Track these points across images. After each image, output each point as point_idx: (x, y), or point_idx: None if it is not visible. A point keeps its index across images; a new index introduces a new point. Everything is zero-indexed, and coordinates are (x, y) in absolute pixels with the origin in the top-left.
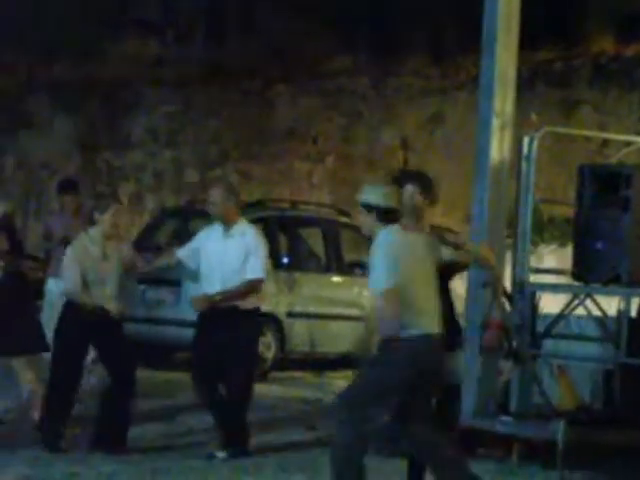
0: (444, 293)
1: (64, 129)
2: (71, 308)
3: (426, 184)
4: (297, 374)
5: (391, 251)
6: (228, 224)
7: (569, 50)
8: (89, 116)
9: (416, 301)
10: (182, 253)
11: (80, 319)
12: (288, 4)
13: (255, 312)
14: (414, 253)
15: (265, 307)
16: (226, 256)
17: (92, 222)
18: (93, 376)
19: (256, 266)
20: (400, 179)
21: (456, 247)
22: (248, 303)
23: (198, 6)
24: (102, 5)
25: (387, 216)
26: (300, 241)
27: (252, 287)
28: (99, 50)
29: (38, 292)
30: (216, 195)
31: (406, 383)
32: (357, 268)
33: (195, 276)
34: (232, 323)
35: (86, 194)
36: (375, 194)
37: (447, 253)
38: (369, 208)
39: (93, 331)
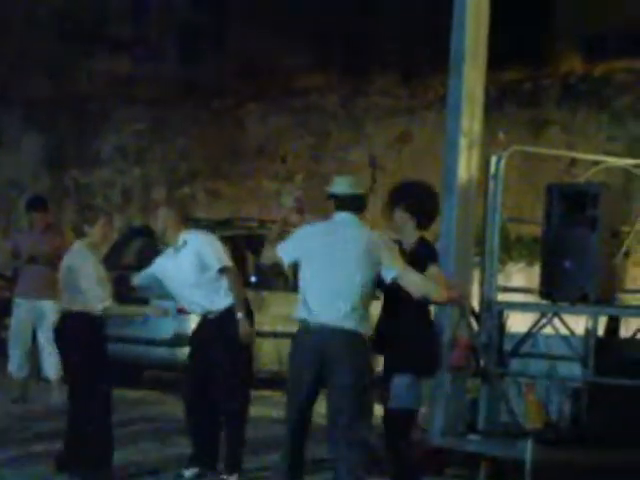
0: (425, 319)
1: (33, 146)
2: (92, 325)
3: (422, 204)
4: (265, 393)
5: (302, 234)
6: (173, 240)
7: (537, 70)
8: (58, 133)
9: (317, 287)
10: (140, 280)
11: (100, 335)
12: (259, 22)
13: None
14: (339, 242)
15: None
16: (180, 272)
17: (81, 235)
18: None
19: (212, 260)
20: (395, 194)
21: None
22: (223, 302)
23: (169, 24)
24: (73, 22)
25: (352, 204)
26: None
27: (231, 277)
28: (69, 67)
29: (6, 310)
30: (159, 216)
31: (303, 369)
32: None
33: (164, 294)
34: (224, 325)
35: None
36: (341, 184)
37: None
38: (332, 197)
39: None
